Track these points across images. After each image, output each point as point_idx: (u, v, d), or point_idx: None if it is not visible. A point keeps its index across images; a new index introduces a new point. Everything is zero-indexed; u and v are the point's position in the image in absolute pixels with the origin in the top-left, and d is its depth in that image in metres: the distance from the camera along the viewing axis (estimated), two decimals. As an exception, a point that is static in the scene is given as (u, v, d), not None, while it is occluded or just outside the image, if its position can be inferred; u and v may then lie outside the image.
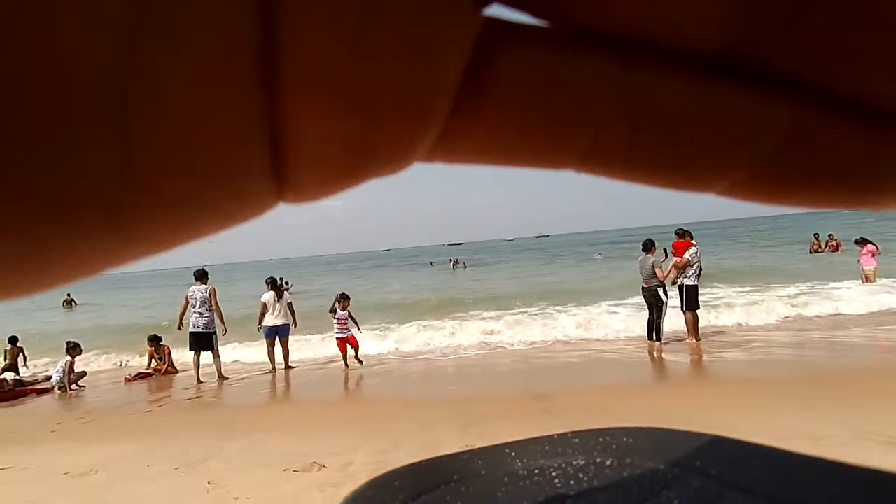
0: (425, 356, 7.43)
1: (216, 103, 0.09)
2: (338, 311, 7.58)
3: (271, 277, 8.36)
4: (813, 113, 0.11)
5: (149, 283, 49.65)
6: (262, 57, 0.09)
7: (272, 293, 8.10)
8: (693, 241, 8.07)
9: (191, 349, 7.58)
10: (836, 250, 18.34)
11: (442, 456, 0.29)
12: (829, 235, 19.30)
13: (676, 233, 8.38)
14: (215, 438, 4.44)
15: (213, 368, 7.48)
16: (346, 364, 7.22)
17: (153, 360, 8.57)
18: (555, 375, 6.05)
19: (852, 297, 9.47)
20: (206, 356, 7.55)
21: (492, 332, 8.77)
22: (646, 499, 0.24)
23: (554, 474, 0.27)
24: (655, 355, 6.91)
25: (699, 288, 7.91)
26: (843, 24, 0.09)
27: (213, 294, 7.75)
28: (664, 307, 7.72)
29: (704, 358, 6.38)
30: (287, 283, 20.39)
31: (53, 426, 5.58)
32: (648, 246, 8.05)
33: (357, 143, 0.11)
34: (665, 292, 7.78)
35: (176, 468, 3.73)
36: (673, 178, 0.12)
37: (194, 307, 7.59)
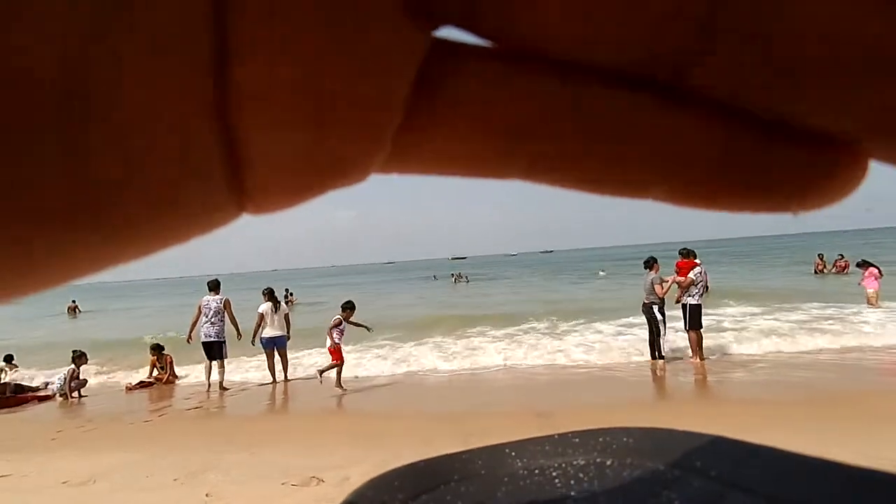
0: (424, 373, 7.37)
1: (168, 116, 0.10)
2: (343, 321, 7.15)
3: (269, 288, 8.38)
4: (742, 131, 0.12)
5: (146, 292, 49.88)
6: (214, 73, 0.10)
7: (269, 304, 8.11)
8: (698, 261, 8.09)
9: (208, 358, 7.66)
10: (844, 271, 17.71)
11: (442, 455, 0.29)
12: (840, 255, 18.64)
13: (681, 252, 8.38)
14: (215, 450, 4.43)
15: (216, 378, 7.53)
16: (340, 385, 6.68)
17: (155, 369, 8.59)
18: (555, 392, 6.02)
19: (859, 322, 9.49)
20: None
21: (492, 350, 8.76)
22: (646, 499, 0.24)
23: (554, 474, 0.27)
24: (658, 374, 6.87)
25: (702, 307, 7.90)
26: (746, 52, 0.10)
27: (227, 304, 7.85)
28: (661, 325, 7.70)
29: (708, 378, 6.33)
30: (291, 294, 20.39)
31: (53, 434, 5.59)
32: (651, 263, 8.07)
33: (310, 157, 0.11)
34: (661, 310, 7.76)
35: (175, 479, 3.72)
36: (611, 187, 0.13)
37: (207, 316, 7.66)
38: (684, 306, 7.97)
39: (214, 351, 7.64)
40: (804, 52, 0.10)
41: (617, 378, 6.60)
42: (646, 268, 8.10)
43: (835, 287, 14.56)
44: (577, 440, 0.29)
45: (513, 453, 0.29)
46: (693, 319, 7.82)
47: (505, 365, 7.73)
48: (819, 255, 19.83)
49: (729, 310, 11.10)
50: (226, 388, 7.44)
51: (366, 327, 7.56)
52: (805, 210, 0.13)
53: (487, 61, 0.11)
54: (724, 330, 9.16)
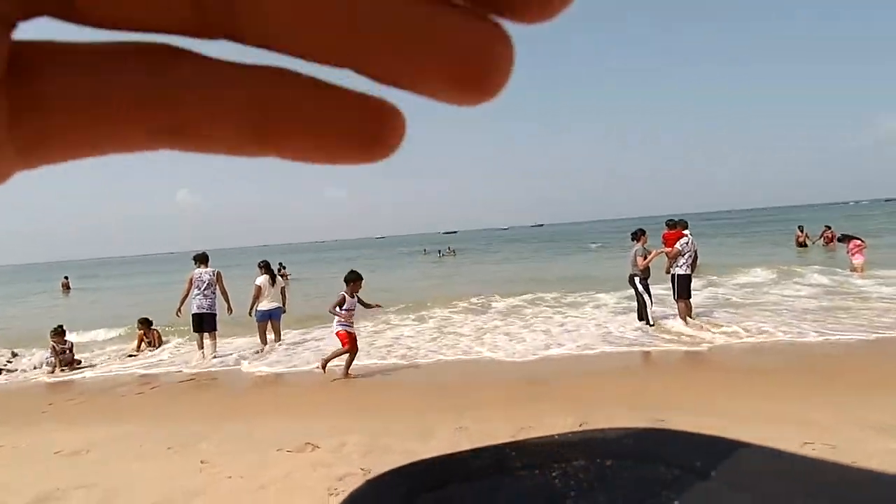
0: (412, 349, 7.33)
1: None
2: (346, 297, 5.97)
3: (265, 261, 8.34)
4: (279, 79, 0.14)
5: (135, 269, 49.19)
6: None
7: (266, 277, 8.10)
8: (686, 231, 8.11)
9: (195, 330, 7.63)
10: (832, 242, 16.80)
11: (442, 455, 0.29)
12: (826, 227, 17.94)
13: (667, 223, 8.42)
14: (208, 421, 4.45)
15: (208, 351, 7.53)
16: (348, 371, 5.95)
17: (142, 344, 8.55)
18: (547, 364, 6.10)
19: (843, 285, 9.71)
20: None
21: (479, 324, 8.82)
22: (646, 499, 0.24)
23: (554, 474, 0.27)
24: (647, 342, 6.96)
25: (692, 277, 7.97)
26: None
27: (219, 277, 7.82)
28: (645, 296, 7.77)
29: (696, 346, 6.45)
30: (284, 268, 20.39)
31: (44, 407, 5.57)
32: (638, 235, 8.07)
33: None
34: (643, 282, 7.81)
35: (168, 448, 3.74)
36: (215, 144, 0.14)
37: (199, 289, 7.61)
38: (673, 276, 8.04)
39: (206, 323, 7.61)
40: None
41: (607, 347, 6.68)
42: (633, 239, 8.11)
43: (821, 258, 14.75)
44: (577, 440, 0.29)
45: (513, 453, 0.29)
46: (681, 288, 7.90)
47: (495, 337, 7.78)
48: (798, 226, 19.26)
49: (718, 279, 11.27)
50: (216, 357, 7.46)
51: (376, 306, 6.61)
52: (358, 161, 0.14)
53: (81, 54, 0.13)
54: (713, 300, 9.31)
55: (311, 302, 11.42)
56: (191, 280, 7.66)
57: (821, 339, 6.17)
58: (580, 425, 3.60)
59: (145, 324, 8.70)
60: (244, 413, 4.74)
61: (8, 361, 8.46)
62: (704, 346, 6.23)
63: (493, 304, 10.26)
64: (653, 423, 3.24)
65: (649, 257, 7.91)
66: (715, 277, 11.53)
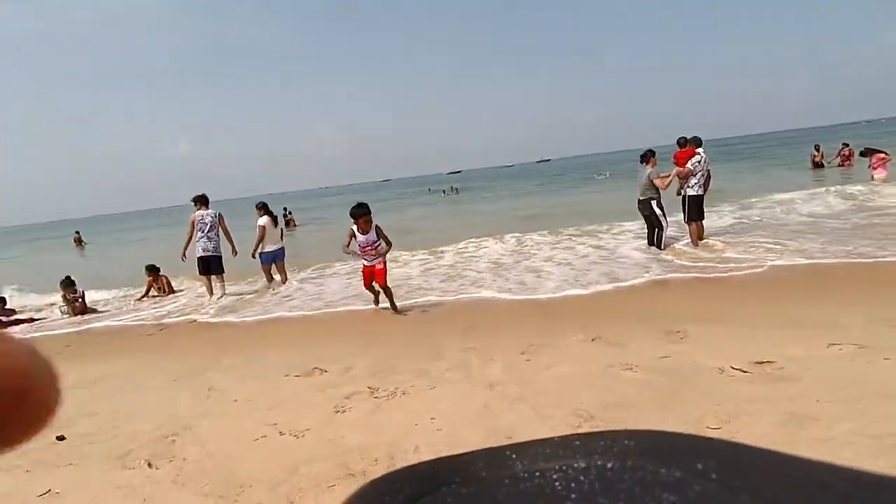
0: (423, 288, 7.23)
1: None
2: (357, 234, 5.33)
3: (263, 202, 8.20)
4: None
5: (146, 222, 49.28)
6: None
7: (268, 217, 8.00)
8: (699, 150, 7.73)
9: (202, 273, 7.63)
10: (849, 160, 16.06)
11: (443, 457, 0.29)
12: (844, 144, 16.77)
13: (678, 142, 7.97)
14: (215, 354, 4.48)
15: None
16: (377, 303, 5.68)
17: (152, 290, 8.61)
18: (551, 284, 6.03)
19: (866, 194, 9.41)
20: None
21: (482, 259, 8.72)
22: (647, 502, 0.24)
23: (555, 476, 0.27)
24: (657, 261, 6.83)
25: (704, 198, 7.69)
26: None
27: (221, 218, 7.72)
28: (661, 219, 7.55)
29: (710, 262, 6.32)
30: (290, 213, 20.26)
31: (61, 348, 5.67)
32: (647, 157, 7.71)
33: None
34: (660, 204, 7.55)
35: (175, 380, 3.77)
36: None
37: (203, 231, 7.52)
38: (684, 198, 7.76)
39: (213, 265, 7.58)
40: None
41: (615, 268, 6.57)
42: (642, 162, 7.73)
43: (838, 179, 14.08)
44: (578, 442, 0.29)
45: (514, 455, 0.29)
46: (692, 210, 7.64)
47: (502, 264, 7.70)
48: (815, 145, 18.07)
49: (727, 207, 10.88)
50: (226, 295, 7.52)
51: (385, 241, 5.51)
52: None
53: None
54: (725, 224, 9.04)
55: (319, 246, 11.34)
56: (193, 223, 7.55)
57: (844, 255, 5.94)
58: (592, 340, 3.55)
59: (153, 271, 8.71)
60: (254, 346, 4.77)
61: (38, 310, 8.64)
62: (721, 266, 6.08)
63: (486, 245, 9.54)
64: (667, 335, 3.03)
65: (668, 179, 7.61)
66: (727, 204, 11.10)
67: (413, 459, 2.09)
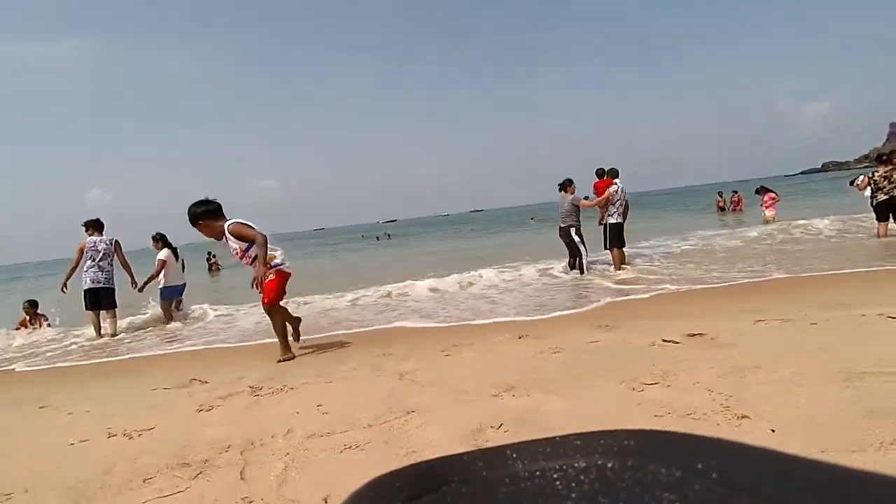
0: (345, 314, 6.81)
1: None
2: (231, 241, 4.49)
3: (160, 233, 7.47)
4: None
5: (44, 270, 44.45)
6: None
7: (168, 251, 7.28)
8: (616, 180, 8.09)
9: (89, 308, 6.63)
10: (739, 205, 19.03)
11: (442, 457, 0.29)
12: (734, 192, 19.86)
13: (597, 172, 8.31)
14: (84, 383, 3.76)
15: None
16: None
17: (25, 328, 7.40)
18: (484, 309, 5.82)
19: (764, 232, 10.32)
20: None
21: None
22: (647, 501, 0.24)
23: (555, 476, 0.27)
24: (581, 283, 6.86)
25: (623, 226, 7.96)
26: None
27: (118, 246, 6.81)
28: (580, 247, 7.70)
29: (637, 277, 6.44)
30: (214, 257, 18.75)
31: None
32: (566, 185, 7.93)
33: None
34: (579, 232, 7.74)
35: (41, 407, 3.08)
36: None
37: (94, 259, 6.61)
38: (605, 226, 8.02)
39: (103, 299, 6.67)
40: None
41: (547, 286, 6.52)
42: (561, 190, 7.95)
43: (734, 221, 15.59)
44: (578, 442, 0.29)
45: (513, 455, 0.29)
46: (613, 237, 7.88)
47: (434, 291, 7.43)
48: (719, 192, 21.31)
49: (644, 243, 11.42)
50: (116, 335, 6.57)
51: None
52: None
53: None
54: (643, 255, 9.39)
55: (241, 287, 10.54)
56: (81, 249, 6.66)
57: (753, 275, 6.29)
58: (519, 337, 3.33)
59: (32, 306, 7.57)
60: (125, 373, 4.09)
61: None
62: (643, 277, 6.19)
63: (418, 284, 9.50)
64: (597, 328, 2.92)
65: (595, 201, 7.87)
66: (650, 240, 11.67)
67: (280, 443, 1.83)
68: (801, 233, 9.68)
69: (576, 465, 0.27)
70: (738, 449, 0.26)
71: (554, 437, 0.30)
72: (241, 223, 3.87)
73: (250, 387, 2.66)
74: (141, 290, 7.01)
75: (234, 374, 3.18)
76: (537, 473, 0.27)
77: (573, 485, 0.26)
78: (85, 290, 6.61)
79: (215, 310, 7.56)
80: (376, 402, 2.26)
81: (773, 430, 1.68)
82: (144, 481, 1.76)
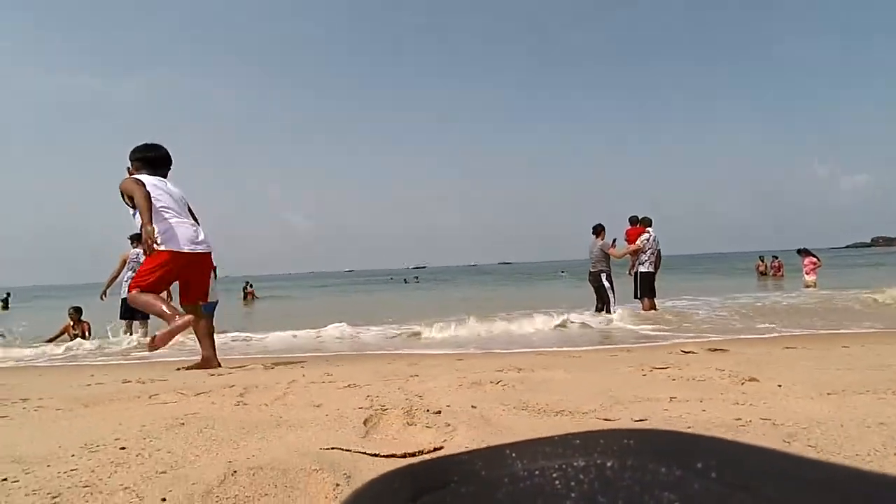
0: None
1: None
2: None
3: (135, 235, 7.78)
4: None
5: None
6: None
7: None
8: (648, 228, 8.01)
9: (123, 317, 6.91)
10: (780, 271, 18.63)
11: (442, 457, 0.29)
12: (774, 257, 19.56)
13: (630, 220, 8.29)
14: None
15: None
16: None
17: (67, 333, 7.69)
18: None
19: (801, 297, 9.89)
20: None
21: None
22: (647, 501, 0.24)
23: (554, 475, 0.27)
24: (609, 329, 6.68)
25: (655, 275, 7.80)
26: None
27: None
28: (609, 292, 7.59)
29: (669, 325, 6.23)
30: (251, 286, 19.67)
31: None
32: (598, 230, 7.95)
33: None
34: (609, 277, 7.65)
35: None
36: None
37: (134, 270, 6.92)
38: (636, 275, 7.89)
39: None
40: None
41: (573, 332, 6.37)
42: (593, 234, 7.97)
43: (773, 286, 15.06)
44: (577, 441, 0.29)
45: (513, 454, 0.29)
46: (644, 287, 7.73)
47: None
48: (760, 257, 20.85)
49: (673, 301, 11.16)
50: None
51: None
52: None
53: None
54: (675, 310, 9.12)
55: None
56: (124, 260, 7.02)
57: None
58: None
59: (77, 312, 7.88)
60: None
61: None
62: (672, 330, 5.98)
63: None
64: (619, 351, 2.91)
65: (624, 250, 7.80)
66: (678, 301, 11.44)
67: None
68: (850, 301, 9.18)
69: (575, 464, 0.27)
70: (739, 448, 0.26)
71: (553, 437, 0.30)
72: (134, 178, 3.14)
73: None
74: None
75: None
76: (536, 472, 0.27)
77: (572, 484, 0.26)
78: (122, 299, 6.88)
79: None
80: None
81: (779, 386, 1.69)
82: None
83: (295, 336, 6.66)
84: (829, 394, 1.59)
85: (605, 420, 1.41)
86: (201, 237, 3.22)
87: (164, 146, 3.44)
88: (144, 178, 3.17)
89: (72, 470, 1.01)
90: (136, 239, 7.11)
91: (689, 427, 1.18)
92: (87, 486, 0.91)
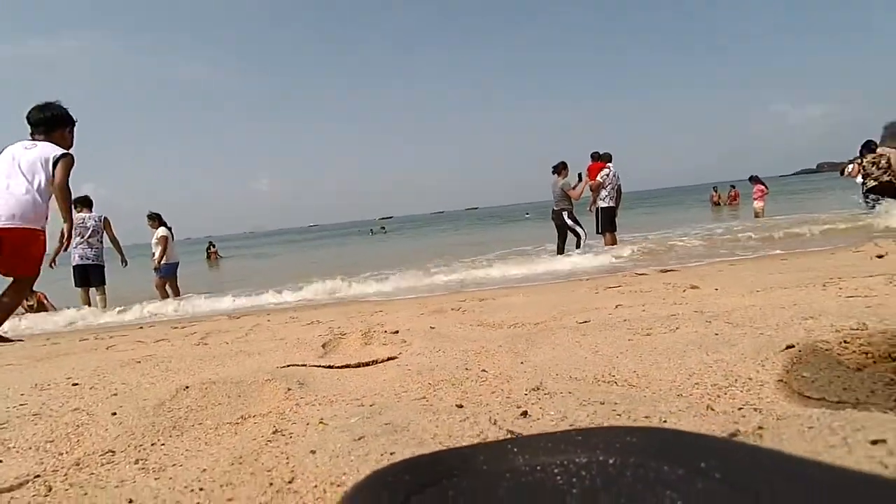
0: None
1: None
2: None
3: (156, 213, 7.51)
4: None
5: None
6: None
7: (165, 228, 7.33)
8: (608, 164, 8.11)
9: (78, 285, 6.67)
10: (736, 199, 19.26)
11: (445, 450, 0.30)
12: (731, 186, 20.04)
13: (592, 156, 8.36)
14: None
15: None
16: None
17: (21, 306, 7.40)
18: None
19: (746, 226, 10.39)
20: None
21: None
22: (649, 498, 0.23)
23: (556, 471, 0.27)
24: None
25: (616, 210, 7.98)
26: None
27: (107, 223, 6.82)
28: (577, 228, 7.74)
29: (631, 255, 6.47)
30: (214, 247, 19.15)
31: None
32: (559, 168, 7.96)
33: None
34: (571, 215, 7.78)
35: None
36: None
37: (82, 237, 6.60)
38: (596, 210, 8.06)
39: (92, 276, 6.69)
40: None
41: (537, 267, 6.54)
42: (554, 173, 7.99)
43: (729, 216, 15.71)
44: (579, 438, 0.29)
45: (515, 449, 0.29)
46: (605, 221, 7.92)
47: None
48: (714, 187, 21.40)
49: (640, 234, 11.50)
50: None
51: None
52: None
53: None
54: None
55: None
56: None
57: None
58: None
59: None
60: None
61: None
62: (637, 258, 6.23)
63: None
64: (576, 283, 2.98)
65: (580, 187, 7.88)
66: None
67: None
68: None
69: (577, 460, 0.27)
70: (743, 450, 0.26)
71: (555, 433, 0.30)
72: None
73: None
74: (157, 269, 7.12)
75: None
76: (538, 467, 0.27)
77: (574, 479, 0.25)
78: (74, 267, 6.61)
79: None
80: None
81: (716, 289, 1.87)
82: None
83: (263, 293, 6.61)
84: (757, 291, 1.73)
85: (554, 321, 1.49)
86: (10, 211, 3.03)
87: (52, 105, 3.34)
88: (11, 145, 3.21)
89: (21, 405, 1.01)
90: (79, 203, 6.74)
91: (626, 320, 1.26)
92: (36, 415, 0.91)
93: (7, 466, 0.67)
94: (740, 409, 0.61)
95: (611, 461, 0.27)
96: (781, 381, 0.67)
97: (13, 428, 0.85)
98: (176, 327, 3.18)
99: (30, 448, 0.74)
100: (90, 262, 6.65)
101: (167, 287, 7.39)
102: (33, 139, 3.25)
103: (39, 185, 3.11)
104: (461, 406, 0.70)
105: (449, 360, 1.02)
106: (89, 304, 6.70)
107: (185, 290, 7.77)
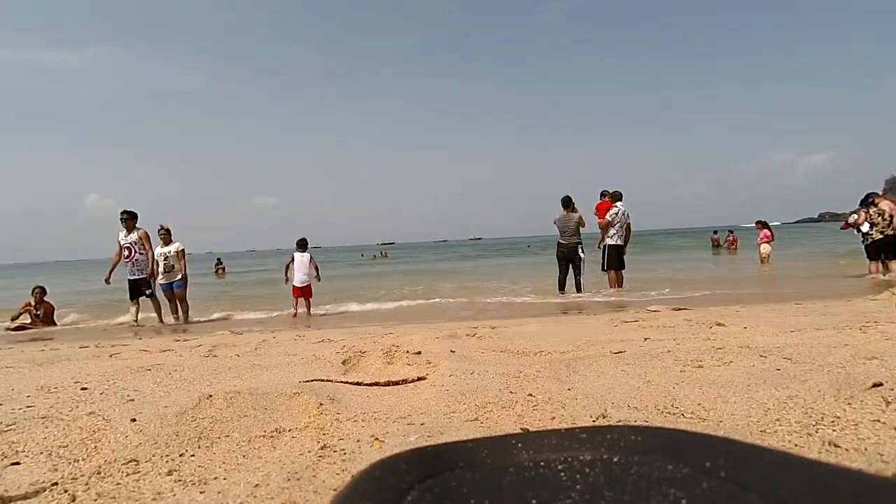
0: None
1: None
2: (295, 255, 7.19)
3: (167, 228, 7.56)
4: None
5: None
6: None
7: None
8: (617, 203, 8.08)
9: (132, 298, 6.69)
10: (734, 244, 19.48)
11: (449, 443, 0.29)
12: (730, 231, 19.92)
13: (601, 194, 8.33)
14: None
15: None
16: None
17: (25, 315, 7.13)
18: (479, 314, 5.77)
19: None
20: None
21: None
22: (653, 497, 0.23)
23: (560, 468, 0.27)
24: (582, 302, 6.79)
25: (623, 249, 7.92)
26: None
27: (145, 238, 6.86)
28: (581, 263, 7.71)
29: (633, 298, 6.39)
30: (221, 263, 19.37)
31: None
32: (568, 202, 7.94)
33: None
34: (583, 250, 7.76)
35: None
36: None
37: (130, 251, 6.69)
38: (603, 248, 7.99)
39: (143, 287, 6.74)
40: None
41: (539, 305, 6.47)
42: (564, 207, 7.95)
43: (729, 258, 15.64)
44: (584, 435, 0.29)
45: (519, 445, 0.29)
46: (611, 259, 7.81)
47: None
48: (714, 230, 21.51)
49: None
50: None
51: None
52: None
53: None
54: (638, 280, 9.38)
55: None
56: (121, 245, 6.72)
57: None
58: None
59: (42, 291, 7.32)
60: None
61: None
62: (639, 297, 6.13)
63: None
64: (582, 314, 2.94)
65: (600, 223, 7.87)
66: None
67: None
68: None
69: (581, 457, 0.27)
70: (748, 449, 0.26)
71: (559, 430, 0.30)
72: None
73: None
74: (171, 283, 7.06)
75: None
76: (542, 464, 0.27)
77: (577, 477, 0.25)
78: (129, 281, 6.75)
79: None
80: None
81: (745, 327, 1.83)
82: None
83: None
84: (791, 331, 1.67)
85: (580, 350, 1.42)
86: None
87: None
88: None
89: (27, 406, 0.94)
90: (128, 216, 6.76)
91: (669, 351, 1.20)
92: (44, 417, 0.84)
93: (19, 471, 0.60)
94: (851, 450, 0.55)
95: (615, 459, 0.27)
96: (878, 421, 0.62)
97: (21, 430, 0.78)
98: (178, 339, 3.10)
99: (41, 452, 0.67)
100: (137, 276, 6.75)
101: (177, 300, 7.24)
102: None
103: None
104: (527, 431, 0.65)
105: (487, 382, 0.96)
106: (138, 312, 6.68)
107: (211, 307, 7.68)
